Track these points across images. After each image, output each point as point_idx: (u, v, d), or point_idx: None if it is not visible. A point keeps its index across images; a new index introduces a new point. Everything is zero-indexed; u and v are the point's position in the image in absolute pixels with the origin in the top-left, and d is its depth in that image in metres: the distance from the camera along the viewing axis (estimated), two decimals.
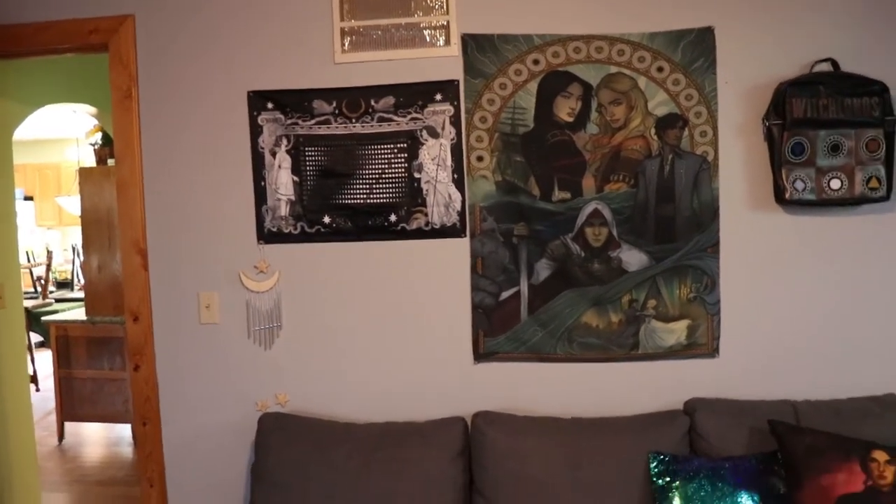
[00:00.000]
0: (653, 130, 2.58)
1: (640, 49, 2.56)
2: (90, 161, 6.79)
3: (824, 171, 2.47)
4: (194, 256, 2.78)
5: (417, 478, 2.40)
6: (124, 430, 5.79)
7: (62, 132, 9.18)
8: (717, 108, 2.57)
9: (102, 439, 5.76)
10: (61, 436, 5.65)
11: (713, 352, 2.62)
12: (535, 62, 2.59)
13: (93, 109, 4.81)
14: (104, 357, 5.49)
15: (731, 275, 2.61)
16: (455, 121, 2.62)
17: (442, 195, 2.63)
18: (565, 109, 2.59)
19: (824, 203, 2.49)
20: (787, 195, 2.48)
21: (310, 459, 2.47)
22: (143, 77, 2.77)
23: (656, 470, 2.30)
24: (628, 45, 2.57)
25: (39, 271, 9.10)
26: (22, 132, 3.89)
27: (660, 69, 2.57)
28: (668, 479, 2.28)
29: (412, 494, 2.39)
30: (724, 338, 2.62)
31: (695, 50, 2.55)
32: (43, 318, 5.95)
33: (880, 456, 2.12)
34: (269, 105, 2.68)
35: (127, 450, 5.47)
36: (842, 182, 2.46)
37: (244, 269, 2.75)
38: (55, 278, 9.28)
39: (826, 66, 2.50)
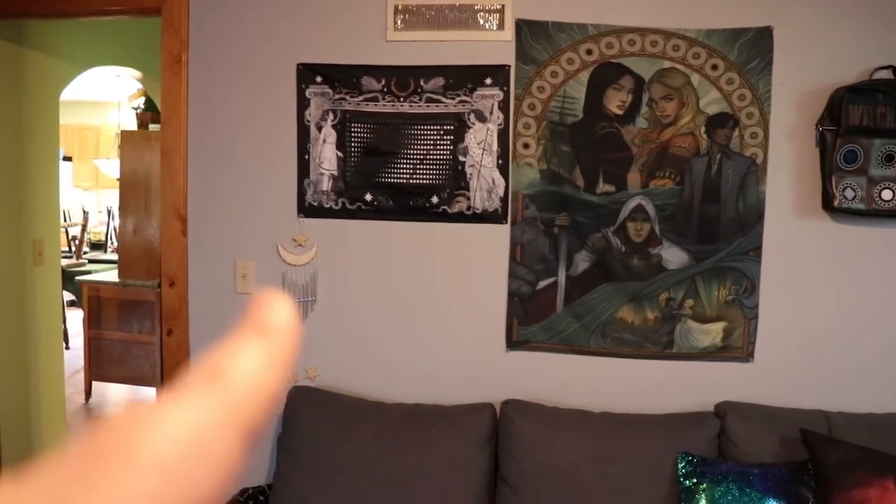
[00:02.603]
0: (703, 129, 2.54)
1: (696, 45, 2.53)
2: (131, 125, 6.86)
3: (876, 181, 2.42)
4: (233, 226, 2.80)
5: (444, 460, 2.41)
6: (148, 393, 5.86)
7: (104, 95, 9.26)
8: (769, 109, 2.53)
9: (127, 401, 5.84)
10: (88, 394, 5.74)
11: (748, 356, 2.60)
12: (589, 52, 2.56)
13: (137, 73, 4.84)
14: (133, 320, 5.56)
15: (771, 280, 2.57)
16: (503, 106, 2.60)
17: (485, 180, 2.62)
18: (615, 102, 2.56)
19: (874, 213, 2.44)
20: (836, 203, 2.44)
21: (337, 434, 2.49)
22: (194, 43, 2.78)
23: (684, 471, 2.29)
24: (684, 41, 2.53)
25: (74, 231, 9.22)
26: (64, 93, 3.92)
27: (714, 67, 2.53)
28: (695, 480, 2.26)
29: (438, 476, 2.39)
30: (759, 343, 2.59)
31: (751, 49, 2.51)
32: (76, 278, 6.03)
33: None
34: (318, 79, 2.68)
35: None
36: (894, 193, 2.41)
37: (282, 242, 2.76)
38: (89, 239, 9.39)
39: (887, 74, 2.44)
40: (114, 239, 9.29)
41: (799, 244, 2.56)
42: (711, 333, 2.60)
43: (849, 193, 2.43)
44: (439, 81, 2.62)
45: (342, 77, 2.66)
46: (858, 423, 2.40)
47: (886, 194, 2.42)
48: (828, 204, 2.47)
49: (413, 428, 2.48)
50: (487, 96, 2.60)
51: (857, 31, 2.49)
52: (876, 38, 2.48)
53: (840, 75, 2.48)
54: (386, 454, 2.43)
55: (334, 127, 2.68)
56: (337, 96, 2.67)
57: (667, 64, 2.54)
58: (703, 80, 2.53)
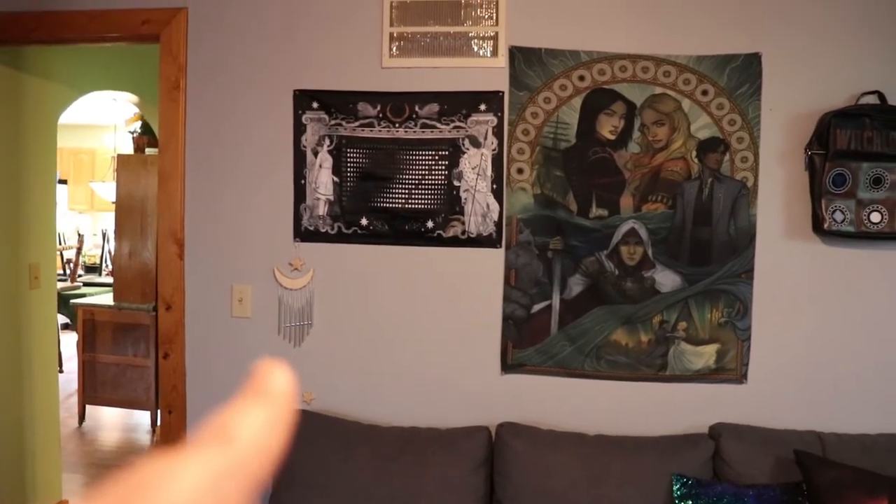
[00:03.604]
0: (694, 153, 2.58)
1: (686, 71, 2.57)
2: (126, 148, 6.88)
3: (865, 204, 2.46)
4: (230, 250, 2.82)
5: (439, 483, 2.42)
6: (143, 417, 5.85)
7: (100, 119, 9.30)
8: (759, 134, 2.57)
9: (121, 424, 5.82)
10: (82, 418, 5.72)
11: (741, 378, 2.62)
12: (581, 78, 2.60)
13: (134, 98, 4.88)
14: (128, 343, 5.55)
15: (763, 302, 2.60)
16: (498, 132, 2.64)
17: (480, 205, 2.65)
18: (608, 127, 2.60)
19: (863, 236, 2.48)
20: (826, 225, 2.47)
21: (333, 458, 2.49)
22: (192, 69, 2.82)
23: (679, 493, 2.30)
24: (674, 67, 2.57)
25: (69, 254, 9.21)
26: (61, 117, 3.95)
27: (704, 92, 2.57)
28: (690, 502, 2.28)
29: (434, 499, 2.40)
30: (753, 364, 2.61)
31: (741, 75, 2.56)
32: (71, 301, 6.03)
33: None
34: (314, 104, 2.71)
35: (144, 437, 5.52)
36: (882, 216, 2.45)
37: (279, 266, 2.78)
38: (84, 262, 9.38)
39: (873, 99, 2.49)
40: (109, 262, 9.29)
41: (790, 266, 2.59)
42: (705, 355, 2.62)
43: (838, 216, 2.47)
44: (434, 107, 2.65)
45: (338, 103, 2.69)
46: (852, 443, 2.42)
47: (875, 217, 2.45)
48: (818, 226, 2.50)
49: (409, 451, 2.49)
50: (482, 122, 2.64)
51: (843, 56, 2.54)
52: (862, 64, 2.53)
53: (828, 100, 2.53)
54: (382, 477, 2.43)
55: (330, 152, 2.71)
56: (333, 122, 2.70)
57: (658, 90, 2.58)
58: (693, 105, 2.57)
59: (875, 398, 2.58)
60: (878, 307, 2.58)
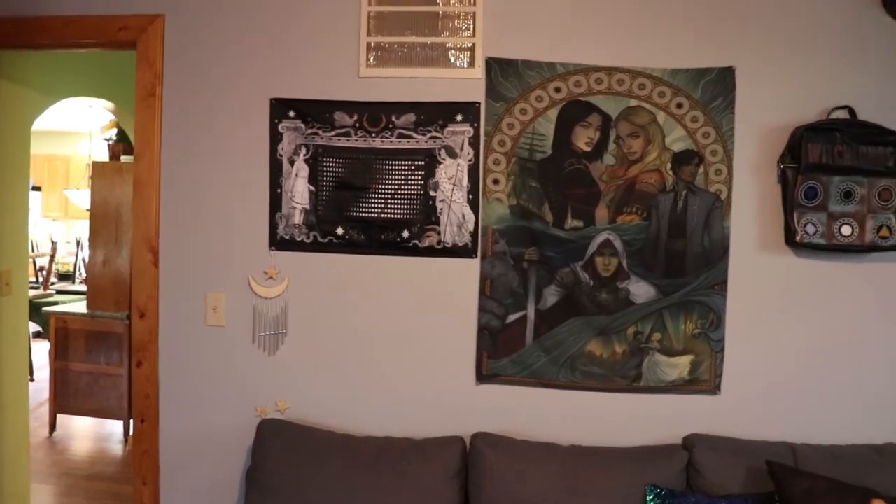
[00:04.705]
0: (669, 165, 2.60)
1: (661, 84, 2.59)
2: (102, 156, 6.83)
3: (836, 217, 2.49)
4: (205, 258, 2.80)
5: (414, 494, 2.40)
6: (115, 426, 5.78)
7: (75, 125, 9.22)
8: (733, 147, 2.60)
9: (93, 434, 5.75)
10: (52, 427, 5.64)
11: (715, 388, 2.63)
12: (557, 90, 2.62)
13: (110, 105, 4.84)
14: (101, 352, 5.50)
15: (737, 313, 2.62)
16: (474, 142, 2.64)
17: (456, 215, 2.65)
18: (583, 139, 2.61)
19: (834, 248, 2.51)
20: (798, 238, 2.50)
21: (307, 468, 2.48)
22: (168, 77, 2.80)
23: (652, 503, 2.30)
24: (650, 80, 2.60)
25: (42, 262, 9.11)
26: (35, 123, 3.91)
27: (679, 105, 2.59)
28: None
29: None
30: (726, 375, 2.63)
31: (715, 88, 2.58)
32: (43, 309, 5.95)
33: None
34: (291, 113, 2.71)
35: (116, 446, 5.45)
36: (852, 228, 2.48)
37: (254, 274, 2.76)
38: (57, 270, 9.28)
39: (843, 114, 2.52)
40: (82, 270, 9.19)
41: (763, 278, 2.62)
42: (679, 367, 2.64)
43: (810, 229, 2.50)
44: (411, 117, 2.66)
45: (315, 112, 2.69)
46: (824, 454, 2.44)
47: (846, 230, 2.48)
48: (790, 239, 2.53)
49: (383, 461, 2.47)
50: (458, 132, 2.65)
51: (815, 71, 2.58)
52: (834, 79, 2.57)
53: (800, 114, 2.56)
54: (356, 488, 2.42)
55: (307, 161, 2.70)
56: (309, 131, 2.69)
57: (633, 102, 2.60)
58: (668, 118, 2.60)
59: (846, 409, 2.61)
60: (850, 319, 2.60)
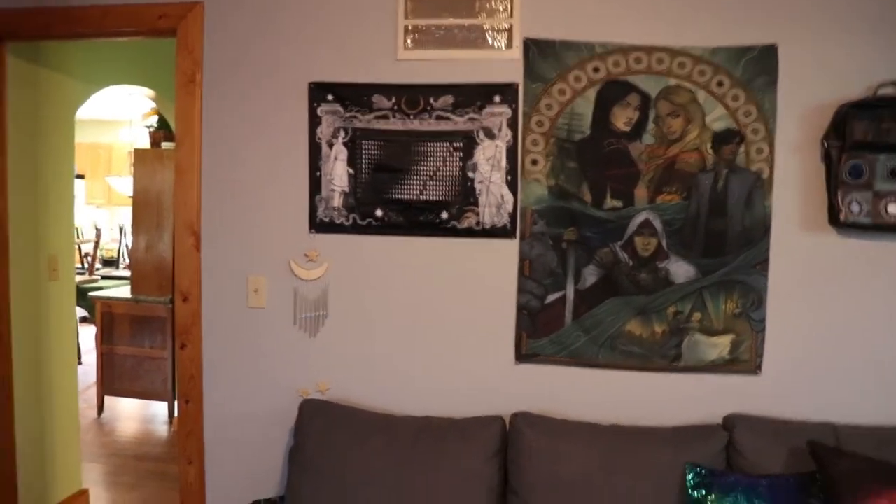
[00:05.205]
0: (709, 145, 2.58)
1: (702, 63, 2.56)
2: (143, 143, 6.94)
3: (882, 196, 2.44)
4: (246, 241, 2.84)
5: (454, 473, 2.43)
6: (160, 408, 5.91)
7: (116, 114, 9.37)
8: (775, 125, 2.56)
9: (139, 415, 5.88)
10: (100, 409, 5.79)
11: (756, 369, 2.61)
12: (596, 70, 2.60)
13: (150, 92, 4.91)
14: (145, 335, 5.62)
15: (778, 293, 2.59)
16: (512, 123, 2.64)
17: (494, 196, 2.66)
18: (622, 119, 2.60)
19: (879, 227, 2.46)
20: (842, 217, 2.46)
21: (348, 447, 2.51)
22: (208, 63, 2.84)
23: (693, 482, 2.30)
24: (689, 59, 2.57)
25: (87, 248, 9.30)
26: (78, 112, 3.99)
27: (720, 84, 2.56)
28: (703, 491, 2.28)
29: (448, 488, 2.42)
30: (767, 355, 2.61)
31: (756, 66, 2.55)
32: (89, 294, 6.09)
33: None
34: (330, 97, 2.73)
35: (162, 427, 5.57)
36: None
37: (294, 257, 2.80)
38: (101, 256, 9.47)
39: (891, 90, 2.47)
40: (126, 256, 9.37)
41: (805, 257, 2.59)
42: (719, 346, 2.62)
43: (854, 207, 2.46)
44: (448, 99, 2.66)
45: (353, 95, 2.71)
46: (867, 435, 2.41)
47: (892, 208, 2.44)
48: (834, 218, 2.49)
49: (423, 440, 2.50)
50: (496, 114, 2.65)
51: (860, 47, 2.52)
52: (879, 55, 2.51)
53: (844, 91, 2.51)
54: (396, 466, 2.45)
55: (345, 144, 2.72)
56: (348, 114, 2.71)
57: (673, 81, 2.58)
58: (708, 96, 2.57)
59: (889, 391, 2.57)
60: (894, 299, 2.56)
